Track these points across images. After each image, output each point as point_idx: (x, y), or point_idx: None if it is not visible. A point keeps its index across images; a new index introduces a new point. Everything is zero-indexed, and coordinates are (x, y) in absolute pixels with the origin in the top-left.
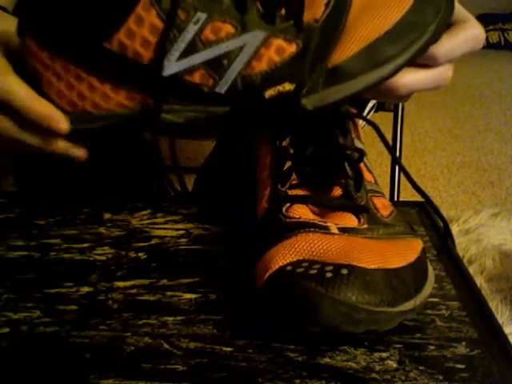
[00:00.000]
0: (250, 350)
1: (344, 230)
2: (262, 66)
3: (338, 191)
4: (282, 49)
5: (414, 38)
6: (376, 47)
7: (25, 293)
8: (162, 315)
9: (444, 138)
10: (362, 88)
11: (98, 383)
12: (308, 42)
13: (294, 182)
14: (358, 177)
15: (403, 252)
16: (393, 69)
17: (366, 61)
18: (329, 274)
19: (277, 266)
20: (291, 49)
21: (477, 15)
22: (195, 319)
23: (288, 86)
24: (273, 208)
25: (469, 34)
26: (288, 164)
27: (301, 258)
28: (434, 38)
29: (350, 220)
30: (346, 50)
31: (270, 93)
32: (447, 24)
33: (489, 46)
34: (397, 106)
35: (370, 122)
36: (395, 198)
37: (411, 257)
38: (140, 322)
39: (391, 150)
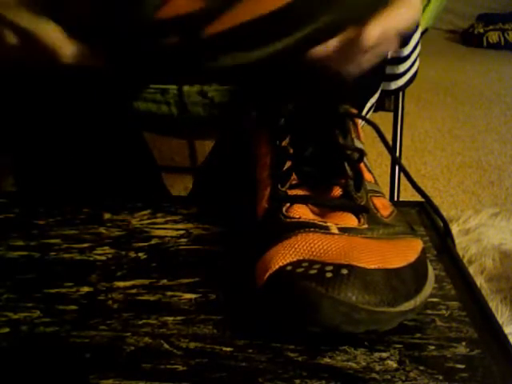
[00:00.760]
0: (250, 350)
1: (344, 230)
2: (168, 12)
3: (337, 191)
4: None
5: (298, 27)
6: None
7: (25, 293)
8: (162, 315)
9: (444, 138)
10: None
11: (98, 383)
12: (211, 3)
13: (294, 182)
14: (358, 177)
15: (403, 252)
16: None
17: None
18: (329, 274)
19: (277, 266)
20: (195, 6)
21: (477, 15)
22: (195, 319)
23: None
24: (273, 208)
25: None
26: (288, 164)
27: (301, 258)
28: (329, 31)
29: (350, 220)
30: (235, 19)
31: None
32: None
33: (489, 45)
34: (397, 106)
35: (369, 122)
36: (395, 198)
37: (411, 257)
38: (140, 322)
39: (391, 150)
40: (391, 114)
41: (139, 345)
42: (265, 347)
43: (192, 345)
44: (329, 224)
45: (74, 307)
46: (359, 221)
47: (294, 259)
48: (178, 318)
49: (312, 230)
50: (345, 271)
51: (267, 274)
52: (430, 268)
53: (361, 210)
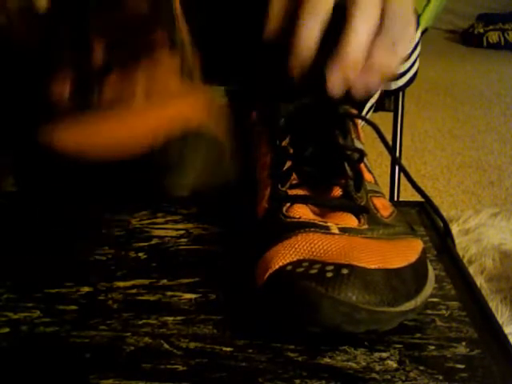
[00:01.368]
0: (250, 350)
1: (344, 230)
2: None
3: (338, 191)
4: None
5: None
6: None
7: (25, 293)
8: (162, 315)
9: (444, 138)
10: None
11: (98, 383)
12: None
13: (294, 182)
14: (358, 177)
15: (403, 252)
16: None
17: None
18: (329, 274)
19: (277, 266)
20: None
21: (477, 15)
22: (195, 319)
23: None
24: (273, 208)
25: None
26: (288, 164)
27: (301, 257)
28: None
29: (350, 220)
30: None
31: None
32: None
33: (489, 45)
34: (397, 106)
35: (369, 122)
36: (395, 198)
37: (411, 257)
38: (140, 322)
39: (391, 150)
40: (391, 114)
41: (139, 345)
42: (265, 347)
43: (192, 345)
44: (329, 224)
45: (74, 307)
46: (359, 221)
47: (294, 259)
48: (178, 318)
49: (312, 229)
50: (345, 271)
51: (267, 274)
52: (430, 268)
53: (361, 210)
